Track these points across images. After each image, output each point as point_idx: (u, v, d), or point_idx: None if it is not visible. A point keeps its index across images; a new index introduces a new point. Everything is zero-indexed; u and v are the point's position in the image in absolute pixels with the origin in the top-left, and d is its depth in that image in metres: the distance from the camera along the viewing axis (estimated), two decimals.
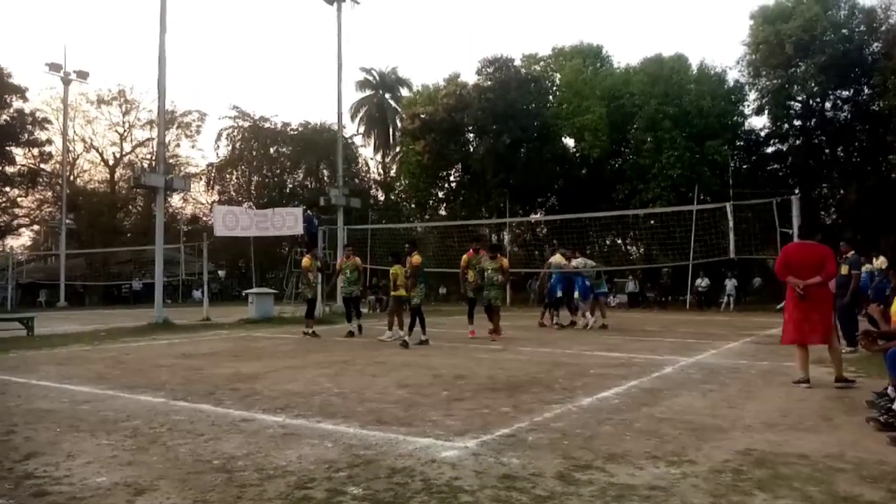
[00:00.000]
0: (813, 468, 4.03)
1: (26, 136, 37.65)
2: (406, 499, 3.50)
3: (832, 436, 4.89)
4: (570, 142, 34.23)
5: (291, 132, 44.72)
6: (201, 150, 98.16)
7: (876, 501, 3.42)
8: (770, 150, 32.31)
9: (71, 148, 41.48)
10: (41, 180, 41.18)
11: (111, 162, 45.15)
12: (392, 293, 13.32)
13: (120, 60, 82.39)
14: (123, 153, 45.33)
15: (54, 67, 35.45)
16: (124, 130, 45.00)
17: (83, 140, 44.41)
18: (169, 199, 40.69)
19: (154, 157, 37.59)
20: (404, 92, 47.32)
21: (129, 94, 44.32)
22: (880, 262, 16.46)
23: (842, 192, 29.98)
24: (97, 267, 40.13)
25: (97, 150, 45.15)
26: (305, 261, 14.72)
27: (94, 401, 6.48)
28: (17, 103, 37.32)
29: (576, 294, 15.58)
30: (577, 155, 33.71)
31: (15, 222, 42.32)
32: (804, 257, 7.17)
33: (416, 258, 11.78)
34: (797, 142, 30.93)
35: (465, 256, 13.34)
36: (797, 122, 31.04)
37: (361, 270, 14.02)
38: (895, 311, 5.25)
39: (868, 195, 26.80)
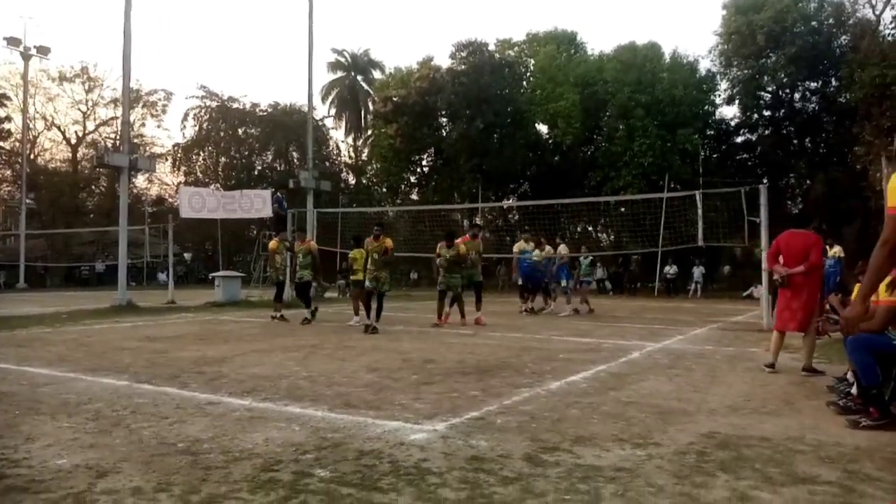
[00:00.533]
0: (774, 450, 4.11)
1: None
2: (374, 480, 3.48)
3: (793, 419, 5.00)
4: (543, 128, 34.29)
5: (260, 113, 43.96)
6: (167, 130, 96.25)
7: (832, 481, 3.50)
8: (740, 139, 32.81)
9: (31, 126, 40.22)
10: (0, 158, 40.00)
11: (73, 141, 43.95)
12: (352, 277, 13.13)
13: (83, 37, 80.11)
14: (86, 132, 44.17)
15: (13, 42, 34.23)
16: (87, 109, 43.84)
17: (44, 118, 43.18)
18: (133, 180, 39.87)
19: (118, 137, 36.71)
20: (377, 74, 46.85)
21: (93, 72, 43.10)
22: (835, 251, 16.82)
23: (808, 182, 30.55)
24: (59, 248, 39.16)
25: (59, 129, 43.94)
26: (273, 244, 14.57)
27: (55, 383, 6.33)
28: None
29: (563, 282, 15.71)
30: (550, 141, 33.79)
31: None
32: (793, 246, 7.23)
33: (388, 241, 11.30)
34: (766, 132, 31.42)
35: (461, 240, 12.98)
36: (767, 113, 31.52)
37: (315, 255, 13.43)
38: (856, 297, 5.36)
39: (834, 186, 27.37)
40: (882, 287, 4.82)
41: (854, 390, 5.20)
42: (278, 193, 21.52)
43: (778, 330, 7.36)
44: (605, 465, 3.77)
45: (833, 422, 4.88)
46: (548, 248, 15.77)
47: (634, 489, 3.37)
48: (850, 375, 5.48)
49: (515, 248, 16.03)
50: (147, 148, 43.36)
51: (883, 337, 4.86)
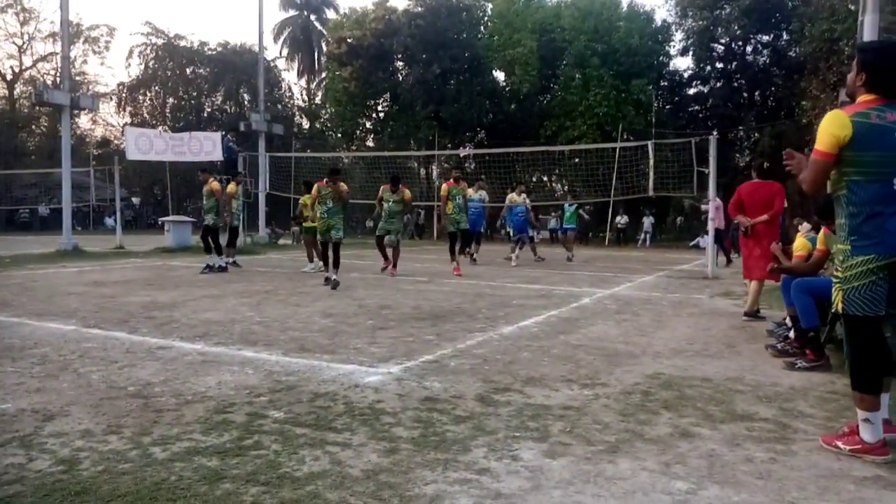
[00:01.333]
0: (714, 390, 4.30)
1: None
2: (328, 421, 3.53)
3: (733, 361, 5.23)
4: (500, 75, 34.02)
5: (209, 52, 42.30)
6: (111, 69, 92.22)
7: (769, 418, 3.70)
8: (692, 91, 33.22)
9: None
10: None
11: (9, 77, 41.63)
12: (304, 224, 12.89)
13: None
14: (23, 68, 41.80)
15: None
16: (23, 43, 41.33)
17: None
18: (76, 120, 38.20)
19: (58, 73, 34.89)
20: (331, 14, 45.52)
21: (27, 2, 40.68)
22: None
23: (756, 135, 31.24)
24: None
25: None
26: (231, 187, 13.99)
27: None
28: None
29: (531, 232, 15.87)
30: (507, 89, 33.59)
31: None
32: (756, 196, 7.35)
33: (343, 186, 10.35)
34: (718, 84, 31.87)
35: (444, 186, 12.84)
36: (719, 65, 31.92)
37: (220, 198, 12.62)
38: (797, 247, 5.59)
39: (781, 139, 28.04)
40: (820, 237, 5.02)
41: (792, 334, 5.45)
42: (228, 136, 20.93)
43: (747, 279, 7.60)
44: (553, 405, 3.90)
45: (771, 364, 5.13)
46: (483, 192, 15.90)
47: (582, 426, 3.50)
48: (788, 321, 5.73)
49: (508, 200, 15.88)
50: (90, 86, 41.41)
51: (826, 280, 5.08)
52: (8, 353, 5.09)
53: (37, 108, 37.21)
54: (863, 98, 3.08)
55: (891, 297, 3.06)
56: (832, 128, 3.00)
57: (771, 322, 6.76)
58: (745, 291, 7.82)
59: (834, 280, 3.20)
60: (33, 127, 42.88)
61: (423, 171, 35.60)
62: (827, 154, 3.03)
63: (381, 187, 12.28)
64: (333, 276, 9.83)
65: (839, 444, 3.17)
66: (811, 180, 3.13)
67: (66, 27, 17.90)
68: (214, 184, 12.82)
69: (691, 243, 24.41)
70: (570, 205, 18.17)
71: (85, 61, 42.69)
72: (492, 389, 4.22)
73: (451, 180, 12.95)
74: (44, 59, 42.16)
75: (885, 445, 3.09)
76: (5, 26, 41.14)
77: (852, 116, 2.99)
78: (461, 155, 34.44)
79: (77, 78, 37.06)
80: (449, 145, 33.67)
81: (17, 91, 41.60)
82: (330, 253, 10.15)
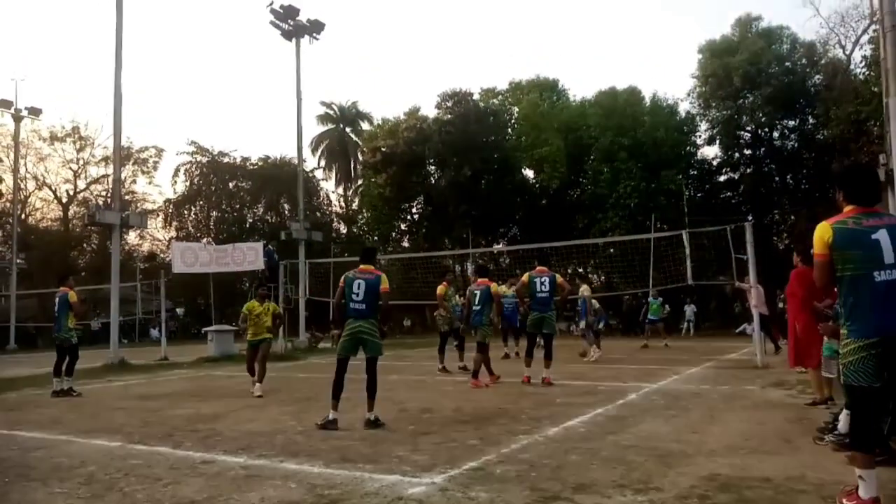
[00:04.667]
0: (776, 491, 4.09)
1: None
2: None
3: (793, 458, 4.98)
4: (529, 173, 34.79)
5: (251, 167, 44.35)
6: (158, 186, 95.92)
7: None
8: (723, 178, 33.33)
9: (22, 186, 40.37)
10: None
11: (65, 199, 44.04)
12: (250, 334, 10.35)
13: (74, 96, 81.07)
14: (77, 190, 44.30)
15: (5, 104, 34.64)
16: (78, 167, 44.06)
17: (35, 178, 43.30)
18: (125, 237, 39.82)
19: (109, 194, 36.84)
20: (365, 126, 47.51)
21: (84, 131, 43.45)
22: None
23: (792, 218, 30.96)
24: (50, 308, 38.73)
25: (50, 188, 44.03)
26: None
27: (47, 447, 6.23)
28: None
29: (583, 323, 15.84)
30: (537, 186, 34.22)
31: None
32: (808, 281, 7.00)
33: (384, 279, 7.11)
34: (748, 170, 31.96)
35: (440, 287, 12.92)
36: (747, 152, 32.13)
37: (74, 307, 11.00)
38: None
39: (817, 221, 27.60)
40: None
41: (842, 426, 5.18)
42: (269, 246, 21.60)
43: (797, 367, 7.34)
44: None
45: (833, 459, 4.86)
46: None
47: None
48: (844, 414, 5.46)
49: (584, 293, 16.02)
50: (138, 204, 43.45)
51: None
52: (56, 473, 5.13)
53: (88, 227, 39.10)
54: (845, 209, 3.81)
55: (881, 369, 3.53)
56: (819, 234, 3.77)
57: (830, 414, 6.46)
58: (799, 381, 7.54)
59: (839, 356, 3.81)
60: (84, 245, 44.84)
61: (458, 269, 35.89)
62: (819, 255, 3.74)
63: (440, 287, 12.54)
64: (372, 418, 6.85)
65: (844, 500, 3.61)
66: (817, 277, 3.85)
67: (118, 153, 19.08)
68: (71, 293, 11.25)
69: (737, 329, 23.76)
70: (654, 298, 19.57)
71: (134, 181, 44.96)
72: (540, 498, 4.08)
73: (445, 282, 13.13)
74: (96, 181, 44.74)
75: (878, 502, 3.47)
76: (64, 153, 43.60)
77: (833, 224, 3.73)
78: (495, 251, 34.78)
79: (126, 197, 39.01)
80: (483, 242, 34.09)
81: (71, 212, 43.89)
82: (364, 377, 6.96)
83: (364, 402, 6.91)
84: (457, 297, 14.10)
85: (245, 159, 44.75)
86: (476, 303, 10.57)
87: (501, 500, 4.06)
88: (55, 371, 10.72)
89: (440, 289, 12.92)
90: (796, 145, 31.17)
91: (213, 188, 43.99)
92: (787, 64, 29.67)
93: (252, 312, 10.27)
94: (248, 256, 19.72)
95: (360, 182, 43.59)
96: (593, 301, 16.13)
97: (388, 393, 9.39)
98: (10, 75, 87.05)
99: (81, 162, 43.98)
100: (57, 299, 11.24)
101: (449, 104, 34.01)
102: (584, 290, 15.73)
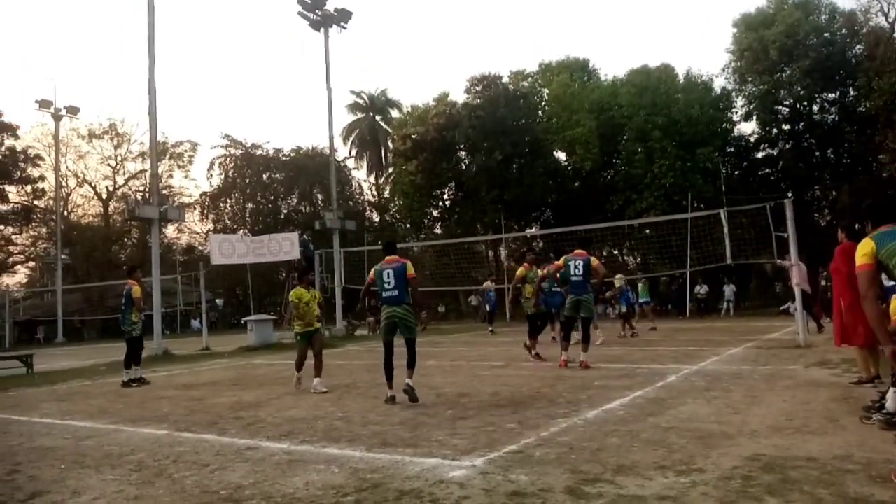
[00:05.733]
0: (822, 470, 4.02)
1: (19, 173, 37.81)
2: None
3: (839, 437, 4.88)
4: (561, 155, 34.46)
5: (284, 158, 44.87)
6: (194, 180, 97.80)
7: (886, 501, 3.42)
8: (760, 154, 32.59)
9: (64, 183, 41.44)
10: (35, 217, 41.20)
11: (104, 195, 45.16)
12: (298, 326, 9.39)
13: (110, 94, 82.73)
14: (116, 186, 45.38)
15: (44, 104, 35.60)
16: (116, 163, 45.10)
17: (76, 175, 44.48)
18: (164, 230, 40.67)
19: (147, 189, 37.61)
20: (394, 113, 47.61)
21: (121, 128, 44.46)
22: None
23: (834, 193, 30.16)
24: (94, 301, 39.97)
25: (90, 185, 45.21)
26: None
27: (97, 436, 6.44)
28: (8, 141, 37.65)
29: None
30: (570, 168, 33.91)
31: (10, 260, 42.26)
32: (852, 258, 6.80)
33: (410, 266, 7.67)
34: (787, 145, 31.20)
35: (521, 269, 12.27)
36: (786, 127, 31.33)
37: (138, 301, 11.10)
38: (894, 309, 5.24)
39: (861, 196, 26.96)
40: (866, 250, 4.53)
41: (890, 404, 5.07)
42: (304, 236, 21.86)
43: (844, 345, 7.16)
44: (648, 495, 3.73)
45: (881, 438, 4.76)
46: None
47: None
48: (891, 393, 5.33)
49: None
50: (175, 198, 44.32)
51: None
52: (108, 461, 5.30)
53: (128, 222, 40.05)
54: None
55: None
56: (861, 249, 3.81)
57: (877, 392, 6.31)
58: (843, 359, 7.37)
59: None
60: (125, 239, 45.96)
61: (490, 254, 35.88)
62: (863, 265, 3.75)
63: (520, 269, 12.04)
64: (411, 383, 7.35)
65: None
66: (862, 287, 3.76)
67: (154, 148, 19.47)
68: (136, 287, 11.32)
69: (781, 308, 23.29)
70: (642, 282, 19.07)
71: (170, 175, 45.89)
72: (581, 480, 4.08)
73: (527, 263, 12.41)
74: (134, 176, 45.74)
75: None
76: (102, 150, 44.64)
77: (873, 235, 3.81)
78: (528, 235, 34.64)
79: (164, 191, 39.74)
80: (515, 227, 33.97)
81: (111, 207, 44.98)
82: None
83: (400, 388, 7.34)
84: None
85: (278, 151, 45.33)
86: (578, 274, 10.25)
87: (542, 482, 4.07)
88: (125, 363, 11.18)
89: (520, 270, 12.24)
90: (837, 118, 30.30)
91: (248, 180, 44.64)
92: (826, 35, 28.76)
93: (301, 300, 9.28)
94: (284, 247, 19.98)
95: (391, 170, 43.74)
96: (616, 279, 16.13)
97: (425, 378, 9.46)
98: (48, 75, 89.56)
99: (119, 158, 45.04)
100: (123, 293, 11.56)
101: (478, 88, 33.82)
102: (619, 279, 15.99)
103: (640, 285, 18.80)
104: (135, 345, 11.14)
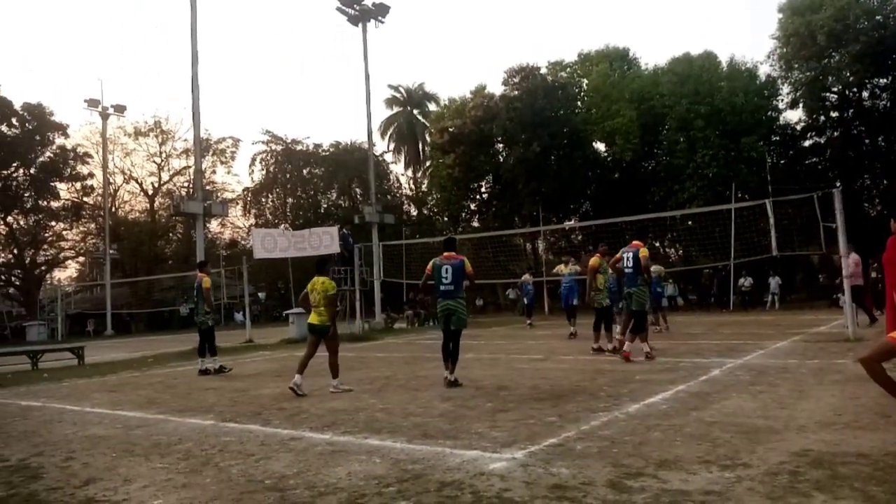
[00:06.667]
0: (873, 467, 3.91)
1: (69, 171, 39.08)
2: None
3: (891, 433, 4.74)
4: (601, 146, 33.99)
5: (323, 153, 45.36)
6: (237, 176, 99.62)
7: None
8: (807, 143, 31.58)
9: (111, 180, 42.61)
10: (84, 213, 42.52)
11: (150, 191, 46.33)
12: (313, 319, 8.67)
13: (154, 91, 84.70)
14: (162, 182, 46.49)
15: (92, 103, 36.64)
16: (162, 160, 46.18)
17: (123, 172, 45.69)
18: (208, 225, 41.55)
19: (192, 185, 38.42)
20: (432, 107, 47.59)
21: (165, 125, 45.47)
22: None
23: (885, 182, 29.13)
24: (141, 294, 41.12)
25: (136, 181, 46.40)
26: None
27: (146, 425, 6.63)
28: (59, 140, 38.92)
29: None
30: (609, 159, 33.44)
31: (61, 255, 43.71)
32: None
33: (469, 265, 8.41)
34: (835, 133, 30.18)
35: (594, 259, 11.71)
36: (834, 114, 30.32)
37: (207, 292, 11.41)
38: None
39: None
40: None
41: None
42: (344, 230, 22.07)
43: None
44: (692, 490, 3.68)
45: None
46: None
47: None
48: None
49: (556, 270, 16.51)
50: (219, 194, 45.10)
51: None
52: (156, 450, 5.46)
53: (174, 217, 41.03)
54: None
55: None
56: None
57: None
58: None
59: None
60: (171, 234, 47.11)
61: (528, 247, 35.70)
62: None
63: (594, 259, 11.56)
64: (452, 378, 8.06)
65: None
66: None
67: (198, 144, 19.87)
68: (205, 279, 11.61)
69: (835, 296, 22.56)
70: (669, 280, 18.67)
71: (214, 171, 46.78)
72: (623, 474, 4.04)
73: (599, 253, 11.84)
74: (179, 172, 46.79)
75: None
76: (147, 148, 45.77)
77: None
78: (566, 228, 34.33)
79: (207, 187, 40.49)
80: (553, 219, 33.68)
81: (156, 203, 46.14)
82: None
83: (440, 381, 7.56)
84: (562, 267, 14.25)
85: (317, 146, 45.82)
86: (628, 266, 10.08)
87: (583, 475, 4.05)
88: (199, 352, 11.71)
89: (593, 260, 11.70)
90: (888, 105, 29.15)
91: (288, 175, 45.26)
92: (878, 17, 27.65)
93: (311, 289, 8.57)
94: (325, 241, 20.21)
95: (428, 163, 43.81)
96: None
97: (464, 371, 9.48)
98: (96, 75, 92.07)
99: (164, 155, 46.11)
100: (195, 285, 12.09)
101: (516, 80, 33.55)
102: (657, 269, 15.77)
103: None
104: (208, 335, 11.59)
